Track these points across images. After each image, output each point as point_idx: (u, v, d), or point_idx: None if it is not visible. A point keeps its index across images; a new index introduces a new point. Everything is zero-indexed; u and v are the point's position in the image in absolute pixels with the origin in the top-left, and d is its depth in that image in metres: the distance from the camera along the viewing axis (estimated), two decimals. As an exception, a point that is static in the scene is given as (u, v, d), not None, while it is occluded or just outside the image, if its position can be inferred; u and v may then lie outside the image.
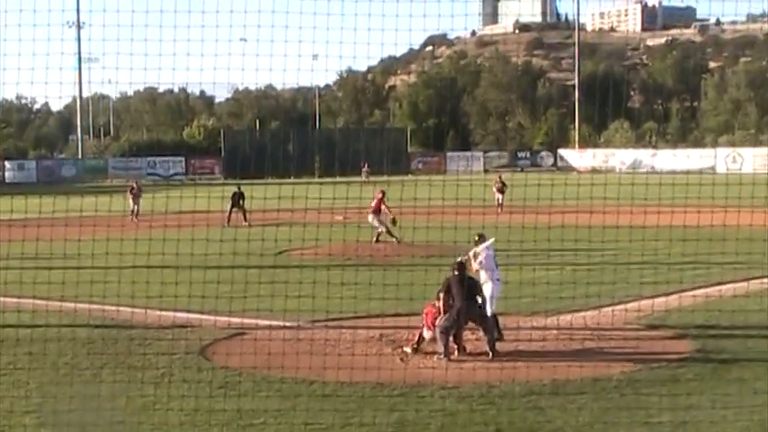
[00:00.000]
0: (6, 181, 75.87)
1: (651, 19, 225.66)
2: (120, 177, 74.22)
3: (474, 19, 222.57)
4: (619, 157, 79.57)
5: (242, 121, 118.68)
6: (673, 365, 12.77)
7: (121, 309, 16.49)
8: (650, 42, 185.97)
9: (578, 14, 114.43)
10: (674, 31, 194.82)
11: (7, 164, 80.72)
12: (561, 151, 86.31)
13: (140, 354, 13.51)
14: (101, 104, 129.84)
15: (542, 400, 11.20)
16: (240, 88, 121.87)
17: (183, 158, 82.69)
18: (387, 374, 12.04)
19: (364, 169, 66.78)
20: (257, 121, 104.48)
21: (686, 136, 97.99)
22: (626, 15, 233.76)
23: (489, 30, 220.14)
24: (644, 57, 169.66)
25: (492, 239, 15.16)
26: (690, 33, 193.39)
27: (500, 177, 40.27)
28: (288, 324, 15.02)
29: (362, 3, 14.72)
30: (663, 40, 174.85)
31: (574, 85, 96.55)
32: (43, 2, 14.72)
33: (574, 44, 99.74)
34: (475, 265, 14.76)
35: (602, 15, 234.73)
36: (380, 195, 27.94)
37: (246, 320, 15.24)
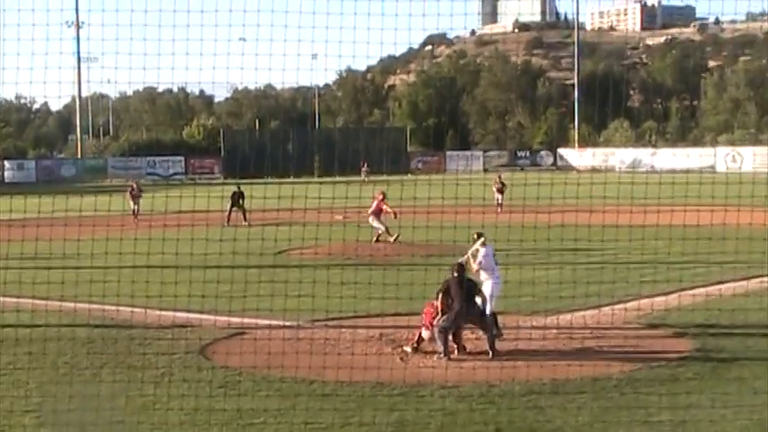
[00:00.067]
0: (6, 181, 75.83)
1: (650, 18, 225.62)
2: (119, 177, 74.20)
3: (473, 18, 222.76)
4: (618, 157, 79.54)
5: (241, 120, 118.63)
6: (672, 364, 12.77)
7: (121, 308, 16.49)
8: (650, 41, 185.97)
9: (578, 14, 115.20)
10: (673, 31, 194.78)
11: (6, 163, 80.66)
12: (561, 150, 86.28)
13: (140, 353, 13.51)
14: (100, 104, 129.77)
15: (542, 399, 11.21)
16: (239, 88, 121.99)
17: (183, 158, 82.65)
18: (386, 374, 12.05)
19: (364, 169, 66.74)
20: (257, 121, 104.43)
21: (686, 135, 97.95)
22: (625, 14, 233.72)
23: (489, 29, 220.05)
24: (643, 56, 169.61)
25: (481, 246, 15.09)
26: (689, 32, 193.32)
27: (500, 177, 40.26)
28: (288, 323, 15.02)
29: (362, 2, 14.73)
30: (662, 40, 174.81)
31: (573, 85, 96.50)
32: (42, 1, 14.73)
33: (573, 43, 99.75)
34: (474, 266, 14.77)
35: (601, 14, 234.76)
36: (381, 197, 27.92)
37: (246, 320, 15.24)
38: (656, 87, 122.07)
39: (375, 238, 27.40)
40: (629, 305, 16.47)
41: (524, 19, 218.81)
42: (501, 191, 38.44)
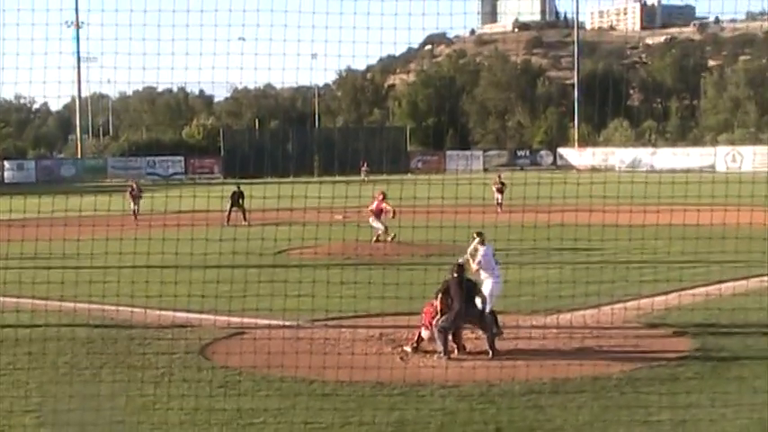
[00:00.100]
0: (5, 181, 75.81)
1: (650, 17, 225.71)
2: (119, 177, 74.21)
3: (473, 18, 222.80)
4: (618, 156, 79.54)
5: (241, 120, 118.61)
6: (672, 364, 12.77)
7: (121, 308, 16.48)
8: (649, 41, 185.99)
9: (577, 13, 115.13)
10: (673, 30, 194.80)
11: (6, 164, 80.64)
12: (561, 150, 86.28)
13: (140, 353, 13.51)
14: (100, 104, 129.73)
15: (542, 398, 11.21)
16: (239, 88, 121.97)
17: (183, 158, 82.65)
18: (386, 373, 12.04)
19: (363, 168, 66.75)
20: (256, 121, 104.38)
21: (686, 134, 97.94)
22: (625, 14, 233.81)
23: (488, 28, 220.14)
24: (643, 55, 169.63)
25: (480, 246, 15.09)
26: (689, 32, 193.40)
27: (499, 177, 40.28)
28: (287, 323, 15.02)
29: (361, 2, 14.73)
30: (662, 39, 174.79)
31: (573, 84, 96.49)
32: (41, 1, 14.71)
33: (573, 43, 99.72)
34: (474, 265, 14.78)
35: (601, 14, 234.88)
36: (381, 197, 27.90)
37: (246, 320, 15.24)
38: (656, 87, 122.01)
39: (375, 238, 27.40)
40: (628, 304, 16.47)
41: (524, 18, 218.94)
42: (501, 191, 38.48)
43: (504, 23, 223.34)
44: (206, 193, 33.53)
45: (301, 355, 12.72)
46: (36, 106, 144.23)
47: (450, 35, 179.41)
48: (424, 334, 13.64)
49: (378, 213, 27.80)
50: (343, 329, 14.95)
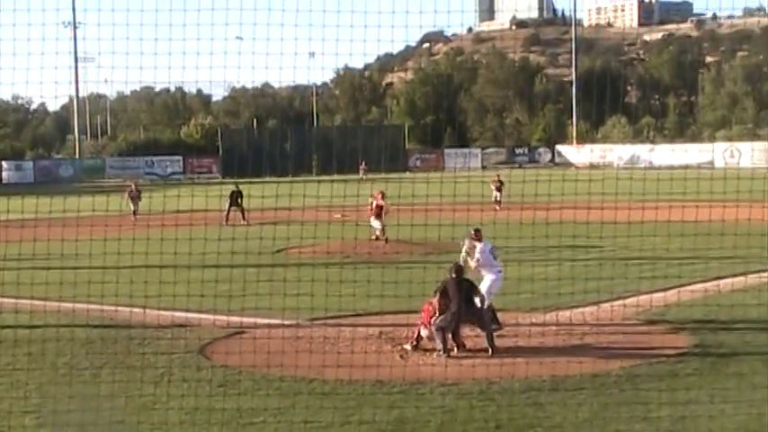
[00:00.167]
0: (4, 182, 75.80)
1: (648, 14, 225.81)
2: (117, 177, 74.20)
3: (470, 15, 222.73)
4: (616, 153, 79.58)
5: (239, 119, 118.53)
6: (671, 360, 12.78)
7: (120, 308, 16.47)
8: (647, 37, 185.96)
9: (575, 10, 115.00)
10: (670, 26, 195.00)
11: (4, 164, 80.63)
12: (559, 147, 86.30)
13: (139, 353, 13.51)
14: (98, 104, 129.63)
15: (542, 396, 11.21)
16: (237, 87, 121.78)
17: (181, 157, 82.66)
18: (386, 372, 12.04)
19: (362, 167, 66.75)
20: (254, 120, 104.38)
21: (684, 131, 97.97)
22: (622, 11, 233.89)
23: (486, 26, 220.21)
24: (641, 52, 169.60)
25: (478, 243, 15.09)
26: (686, 28, 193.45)
27: (498, 176, 40.30)
28: (287, 322, 15.02)
29: (358, 0, 14.72)
30: (659, 36, 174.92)
31: (571, 81, 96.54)
32: (38, 1, 14.66)
33: (571, 40, 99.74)
34: (472, 263, 14.78)
35: (598, 11, 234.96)
36: (380, 196, 27.87)
37: (245, 319, 15.23)
38: (654, 83, 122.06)
39: (374, 236, 27.40)
40: (627, 301, 16.48)
41: (521, 16, 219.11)
42: (499, 189, 38.55)
43: (502, 21, 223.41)
44: (204, 192, 33.53)
45: (301, 353, 12.72)
46: (34, 107, 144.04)
47: (448, 33, 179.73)
48: (424, 332, 13.64)
49: (378, 213, 27.78)
50: (343, 328, 14.95)
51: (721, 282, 18.41)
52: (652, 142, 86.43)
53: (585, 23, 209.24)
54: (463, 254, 15.08)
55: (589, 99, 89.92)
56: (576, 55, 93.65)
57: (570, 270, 19.97)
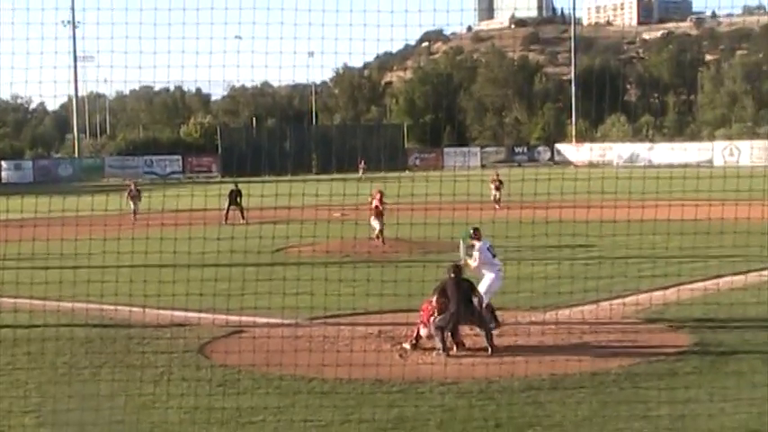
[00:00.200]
0: (3, 181, 75.79)
1: (647, 12, 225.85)
2: (116, 176, 74.19)
3: (470, 14, 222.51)
4: (616, 151, 79.61)
5: (238, 118, 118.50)
6: (671, 359, 12.78)
7: (119, 308, 16.47)
8: (646, 36, 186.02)
9: (574, 9, 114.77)
10: (670, 25, 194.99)
11: (4, 164, 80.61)
12: (558, 146, 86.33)
13: (139, 352, 13.51)
14: (97, 103, 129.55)
15: (541, 394, 11.21)
16: (236, 86, 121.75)
17: (180, 157, 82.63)
18: (386, 371, 12.04)
19: (361, 166, 66.75)
20: (254, 119, 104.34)
21: (683, 129, 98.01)
22: (622, 9, 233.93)
23: (485, 25, 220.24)
24: (640, 50, 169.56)
25: (477, 242, 15.09)
26: (686, 26, 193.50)
27: (497, 175, 40.30)
28: (286, 321, 15.02)
29: (358, -1, 14.71)
30: (659, 34, 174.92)
31: (570, 80, 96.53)
32: (37, 0, 14.65)
33: (570, 38, 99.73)
34: (472, 263, 14.77)
35: (597, 9, 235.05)
36: (378, 196, 27.85)
37: (245, 318, 15.23)
38: (653, 82, 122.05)
39: (375, 235, 27.38)
40: (627, 300, 16.49)
41: (521, 14, 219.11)
42: (498, 188, 38.59)
43: (501, 20, 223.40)
44: (204, 191, 33.55)
45: (300, 353, 12.72)
46: (33, 106, 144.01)
47: (447, 32, 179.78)
48: (423, 331, 13.64)
49: (379, 213, 27.75)
50: (342, 327, 14.95)
51: (721, 280, 18.41)
52: (651, 141, 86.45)
53: (585, 22, 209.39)
54: (462, 254, 15.07)
55: (588, 98, 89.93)
56: (575, 53, 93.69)
57: (570, 269, 19.96)
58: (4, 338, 14.56)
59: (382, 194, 27.84)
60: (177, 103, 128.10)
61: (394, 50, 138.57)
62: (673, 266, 19.69)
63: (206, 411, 10.62)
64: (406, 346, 13.70)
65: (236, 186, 35.11)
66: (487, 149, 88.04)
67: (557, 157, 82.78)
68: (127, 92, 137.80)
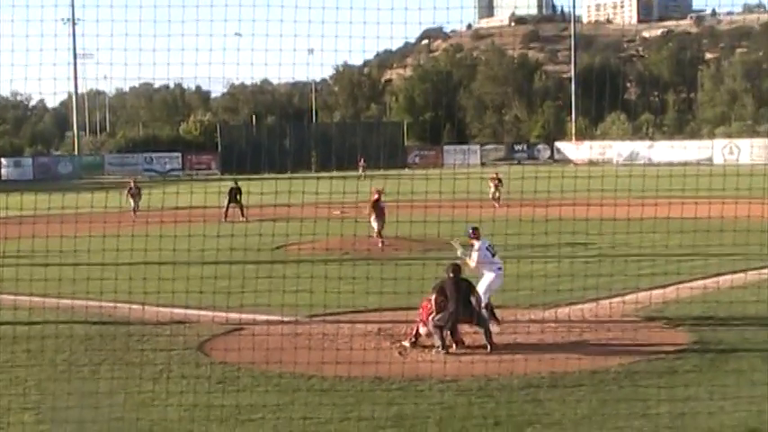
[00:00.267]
0: (3, 178, 75.78)
1: (647, 10, 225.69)
2: (116, 174, 74.18)
3: (469, 12, 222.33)
4: (616, 150, 79.58)
5: (238, 116, 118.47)
6: (671, 357, 12.78)
7: (119, 305, 16.45)
8: (646, 34, 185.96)
9: (574, 6, 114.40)
10: (669, 23, 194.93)
11: (3, 161, 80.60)
12: (558, 144, 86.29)
13: (138, 350, 13.51)
14: (96, 101, 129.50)
15: (541, 392, 11.21)
16: (236, 83, 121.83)
17: (180, 154, 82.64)
18: (385, 368, 12.04)
19: (361, 164, 66.71)
20: (253, 116, 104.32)
21: (683, 127, 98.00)
22: (622, 7, 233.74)
23: (485, 23, 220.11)
24: (640, 48, 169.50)
25: (476, 241, 15.08)
26: (686, 25, 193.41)
27: (497, 174, 40.29)
28: (286, 319, 15.02)
29: (357, -4, 14.69)
30: (659, 32, 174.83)
31: (570, 78, 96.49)
32: (36, -3, 14.62)
33: (570, 36, 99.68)
34: (472, 263, 14.76)
35: (597, 7, 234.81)
36: (376, 197, 27.78)
37: (244, 316, 15.23)
38: (653, 80, 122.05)
39: (375, 234, 27.36)
40: (627, 298, 16.48)
41: (521, 12, 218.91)
42: (498, 186, 38.59)
43: (501, 17, 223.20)
44: (203, 189, 33.50)
45: (300, 350, 12.72)
46: (32, 103, 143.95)
47: (447, 29, 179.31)
48: (422, 330, 13.64)
49: (379, 213, 27.71)
50: (342, 325, 14.94)
51: (720, 278, 18.41)
52: (651, 139, 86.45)
53: (585, 20, 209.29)
54: (460, 254, 15.05)
55: (588, 96, 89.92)
56: (575, 51, 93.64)
57: (569, 267, 19.95)
58: (3, 335, 14.56)
59: (380, 194, 27.80)
60: (177, 101, 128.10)
61: (394, 48, 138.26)
62: (672, 265, 19.66)
63: (205, 409, 10.62)
64: (406, 343, 13.70)
65: (236, 184, 35.11)
66: (487, 147, 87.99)
67: (556, 155, 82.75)
68: (126, 89, 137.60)
